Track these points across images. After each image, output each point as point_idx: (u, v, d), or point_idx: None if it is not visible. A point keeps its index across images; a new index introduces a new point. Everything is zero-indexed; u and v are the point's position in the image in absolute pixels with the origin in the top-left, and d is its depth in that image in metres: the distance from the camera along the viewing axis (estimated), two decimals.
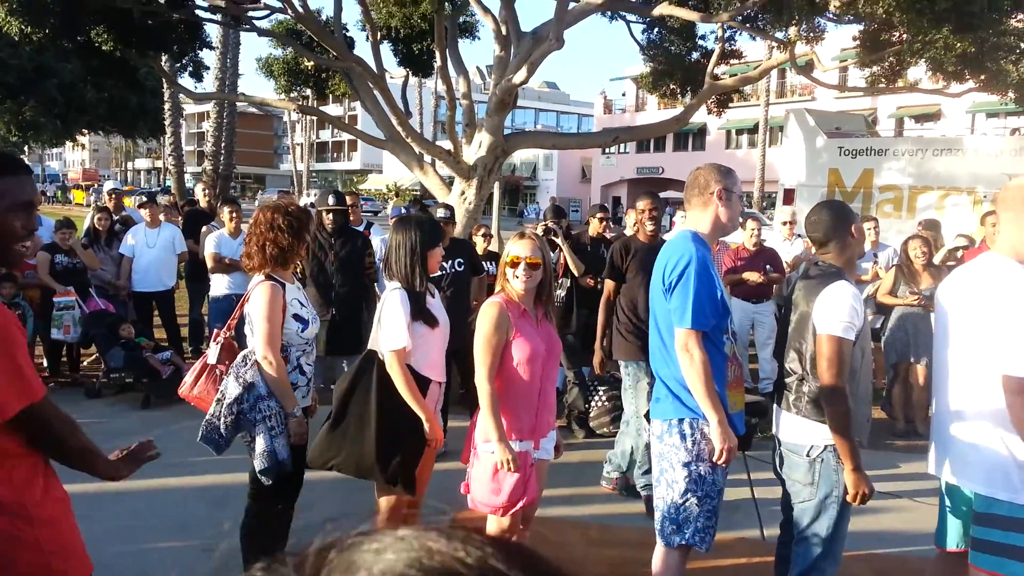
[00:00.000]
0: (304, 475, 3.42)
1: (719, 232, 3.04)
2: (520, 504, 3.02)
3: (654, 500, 3.01)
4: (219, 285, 6.95)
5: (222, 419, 3.17)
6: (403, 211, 6.49)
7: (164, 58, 12.60)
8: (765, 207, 25.68)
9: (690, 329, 2.79)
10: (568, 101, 79.05)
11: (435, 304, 3.47)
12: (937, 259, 6.76)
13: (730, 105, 11.95)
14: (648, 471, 4.22)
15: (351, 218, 6.53)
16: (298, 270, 5.60)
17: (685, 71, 11.14)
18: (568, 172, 53.63)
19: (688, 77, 11.13)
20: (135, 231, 7.70)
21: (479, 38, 12.00)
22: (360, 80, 9.54)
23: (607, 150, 46.05)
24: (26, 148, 32.44)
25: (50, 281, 7.06)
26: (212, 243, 6.90)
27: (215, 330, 3.48)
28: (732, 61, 11.18)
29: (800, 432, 2.89)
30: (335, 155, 78.65)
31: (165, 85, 21.68)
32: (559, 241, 6.19)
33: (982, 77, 8.91)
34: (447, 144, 9.58)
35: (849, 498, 2.77)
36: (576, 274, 6.31)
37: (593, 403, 6.14)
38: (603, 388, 6.14)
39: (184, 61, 11.33)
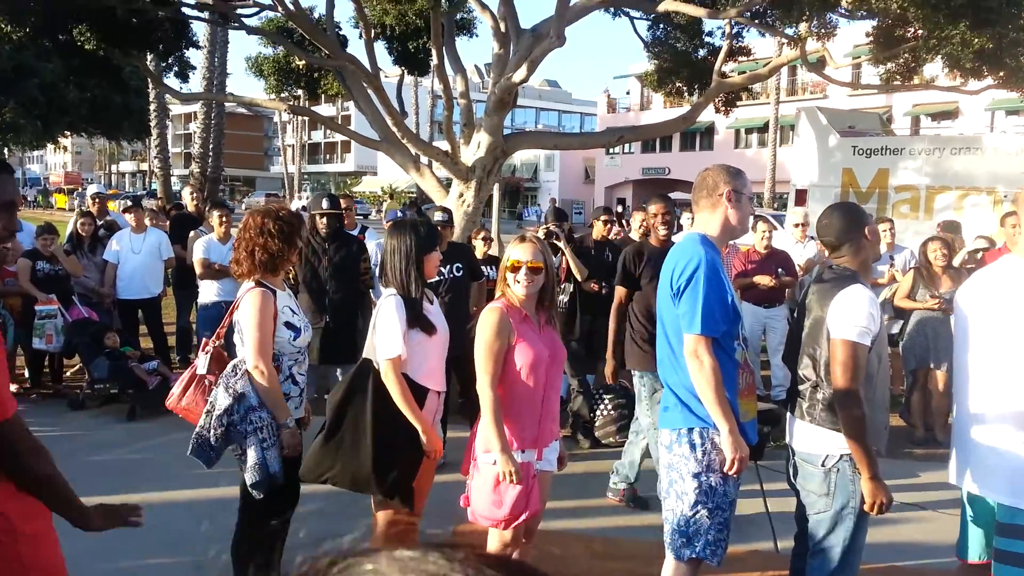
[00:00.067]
0: (299, 489, 3.42)
1: (729, 235, 3.05)
2: (523, 517, 3.02)
3: (663, 512, 3.01)
4: (208, 292, 6.96)
5: (212, 431, 3.17)
6: (399, 214, 6.50)
7: (149, 57, 12.65)
8: (776, 208, 25.71)
9: (700, 335, 2.79)
10: (570, 100, 79.20)
11: (433, 311, 3.47)
12: (957, 261, 6.77)
13: (739, 103, 12.00)
14: None
15: (346, 222, 6.55)
16: (290, 276, 5.61)
17: (692, 68, 11.19)
18: (571, 173, 53.71)
19: (695, 75, 11.17)
20: (120, 236, 7.71)
21: (477, 35, 12.07)
22: (353, 79, 9.57)
23: (611, 150, 46.11)
24: (5, 151, 32.46)
25: (31, 289, 7.07)
26: (200, 248, 6.92)
27: (204, 339, 3.49)
28: (740, 58, 11.23)
29: (815, 441, 2.90)
30: (328, 157, 78.77)
31: (150, 85, 21.73)
32: (561, 245, 6.20)
33: (1001, 74, 8.94)
34: (444, 145, 9.60)
35: (867, 508, 2.77)
36: (579, 279, 6.33)
37: (598, 412, 6.14)
38: (608, 396, 6.14)
39: (170, 60, 11.38)
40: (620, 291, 4.99)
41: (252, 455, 3.16)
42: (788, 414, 3.09)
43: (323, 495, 3.83)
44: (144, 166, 75.01)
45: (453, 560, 0.49)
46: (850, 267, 2.96)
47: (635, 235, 7.45)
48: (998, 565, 2.53)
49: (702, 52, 11.30)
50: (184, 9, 10.15)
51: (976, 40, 7.83)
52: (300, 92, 14.18)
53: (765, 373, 7.73)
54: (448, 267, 5.51)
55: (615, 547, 4.29)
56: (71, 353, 7.33)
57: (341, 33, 11.20)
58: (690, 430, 2.88)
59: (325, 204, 5.81)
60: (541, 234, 6.03)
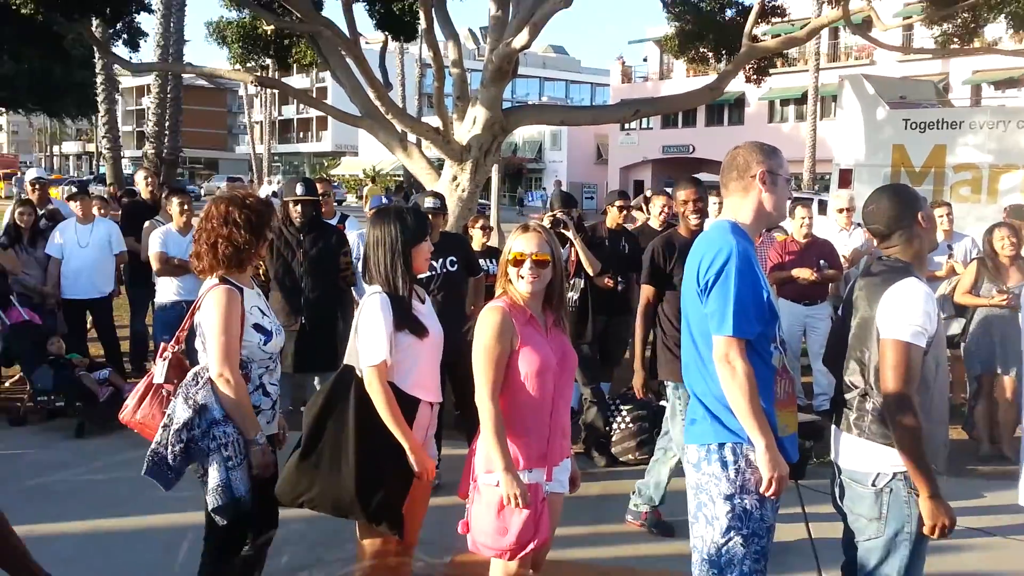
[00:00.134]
0: (278, 513, 3.43)
1: (763, 222, 3.04)
2: (530, 546, 3.02)
3: (691, 539, 3.01)
4: (166, 291, 6.96)
5: (169, 448, 3.18)
6: (383, 201, 6.50)
7: (95, 22, 12.64)
8: (817, 191, 25.72)
9: (731, 337, 2.79)
10: (579, 68, 79.18)
11: (424, 310, 3.48)
12: None
13: (772, 71, 11.99)
14: None
15: (323, 210, 6.55)
16: (260, 272, 5.62)
17: (718, 32, 11.17)
18: (580, 152, 53.73)
19: (722, 39, 11.15)
20: (64, 228, 7.72)
21: None
22: (330, 46, 9.56)
23: (626, 126, 46.11)
24: None
25: None
26: (157, 241, 6.92)
27: (162, 344, 3.50)
28: (774, 19, 11.20)
29: (863, 457, 2.89)
30: (301, 135, 78.84)
31: (96, 54, 21.73)
32: (570, 235, 6.20)
33: None
34: (435, 121, 9.60)
35: (926, 530, 2.77)
36: (591, 273, 6.33)
37: (615, 425, 6.15)
38: (626, 408, 6.15)
39: (118, 26, 11.39)
40: (648, 290, 4.97)
41: (214, 475, 3.16)
42: (833, 427, 3.08)
43: (304, 519, 3.84)
44: (91, 147, 75.07)
45: None
46: (902, 258, 2.95)
47: (655, 223, 7.46)
48: None
49: (730, 12, 11.30)
50: None
51: None
52: (268, 62, 14.17)
53: (806, 380, 7.73)
54: (440, 260, 5.51)
55: None
56: (10, 361, 7.33)
57: None
58: (721, 446, 2.87)
59: (299, 190, 5.80)
60: (547, 222, 6.03)
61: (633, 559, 4.58)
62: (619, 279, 6.46)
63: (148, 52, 21.43)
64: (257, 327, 3.35)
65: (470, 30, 64.97)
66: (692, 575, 2.99)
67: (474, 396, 3.07)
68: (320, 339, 5.63)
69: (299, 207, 5.73)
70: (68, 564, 4.34)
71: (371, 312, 3.28)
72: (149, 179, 9.20)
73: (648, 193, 11.50)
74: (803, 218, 7.41)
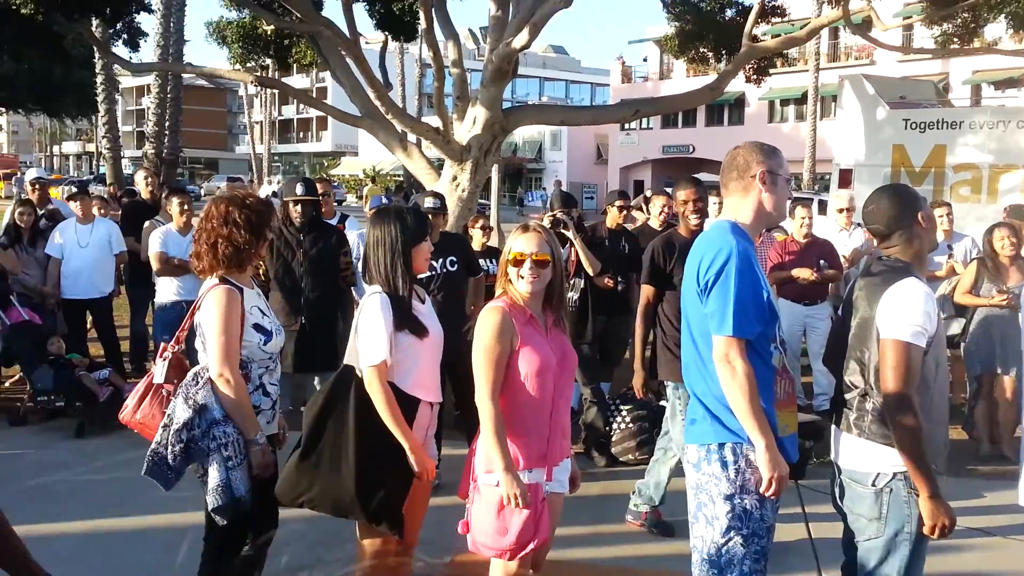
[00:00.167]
0: (278, 513, 3.43)
1: (763, 222, 3.04)
2: (530, 546, 3.02)
3: (691, 540, 3.01)
4: (166, 291, 6.97)
5: (169, 448, 3.18)
6: (383, 201, 6.51)
7: (95, 22, 12.63)
8: (817, 191, 25.71)
9: (731, 337, 2.79)
10: (579, 68, 79.17)
11: (424, 310, 3.48)
12: None
13: (772, 71, 12.00)
14: None
15: (323, 210, 6.55)
16: (260, 272, 5.62)
17: (718, 32, 11.18)
18: (580, 152, 53.73)
19: (722, 39, 11.16)
20: (64, 228, 7.72)
21: None
22: (330, 46, 9.56)
23: (626, 126, 46.10)
24: None
25: None
26: (157, 241, 6.92)
27: (162, 344, 3.50)
28: (774, 19, 11.20)
29: (863, 457, 2.90)
30: (301, 135, 78.85)
31: (96, 54, 21.74)
32: (570, 235, 6.20)
33: None
34: (435, 121, 9.60)
35: (927, 530, 2.77)
36: (591, 273, 6.33)
37: (615, 425, 6.15)
38: (626, 408, 6.15)
39: (118, 26, 11.38)
40: (648, 290, 4.98)
41: (214, 475, 3.17)
42: (833, 427, 3.09)
43: (304, 519, 3.84)
44: (91, 147, 75.06)
45: None
46: (902, 258, 2.96)
47: (655, 223, 7.45)
48: None
49: (730, 12, 11.30)
50: None
51: None
52: (268, 61, 14.17)
53: (806, 380, 7.74)
54: (441, 260, 5.52)
55: None
56: (10, 361, 7.33)
57: None
58: (721, 446, 2.88)
59: (299, 190, 5.80)
60: (547, 222, 6.03)
61: (633, 559, 4.58)
62: (619, 279, 6.46)
63: (148, 52, 21.46)
64: (257, 327, 3.35)
65: (470, 30, 64.97)
66: (692, 575, 3.00)
67: (474, 396, 3.07)
68: (320, 339, 5.63)
69: (299, 207, 5.74)
70: (68, 564, 4.34)
71: (371, 312, 3.28)
72: (149, 179, 9.20)
73: (648, 193, 11.50)
74: (803, 218, 7.41)
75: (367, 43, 10.06)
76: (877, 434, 2.86)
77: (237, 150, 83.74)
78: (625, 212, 6.86)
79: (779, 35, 11.21)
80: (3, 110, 36.93)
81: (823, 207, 14.66)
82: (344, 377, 3.33)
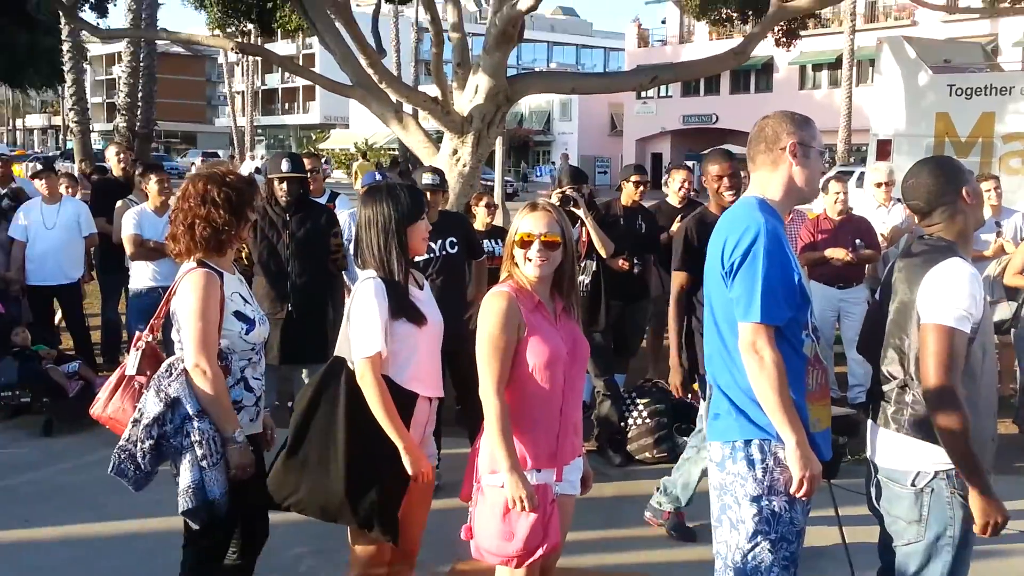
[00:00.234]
0: (268, 519, 3.44)
1: (793, 198, 3.03)
2: (538, 552, 3.02)
3: (714, 545, 3.02)
4: (141, 276, 6.98)
5: (138, 444, 3.18)
6: (377, 177, 6.50)
7: None
8: (853, 163, 25.63)
9: (759, 324, 2.78)
10: (591, 32, 78.96)
11: (422, 297, 3.48)
12: None
13: (803, 33, 11.93)
14: None
15: (311, 187, 6.55)
16: (243, 256, 5.63)
17: None
18: (592, 123, 53.66)
19: None
20: (28, 208, 7.73)
21: None
22: (317, 9, 9.53)
23: (643, 94, 45.97)
24: None
25: None
26: (131, 222, 6.92)
27: (136, 333, 3.51)
28: None
29: (902, 455, 2.90)
30: (287, 106, 78.85)
31: (62, 19, 21.72)
32: (580, 213, 6.19)
33: None
34: (433, 90, 9.57)
35: (977, 529, 2.78)
36: (604, 255, 6.32)
37: (630, 420, 6.16)
38: (643, 401, 6.16)
39: None
40: (681, 277, 4.87)
41: (186, 475, 3.16)
42: (869, 421, 3.09)
43: (292, 523, 3.86)
44: (57, 120, 75.11)
45: None
46: (946, 237, 2.95)
47: (674, 200, 7.44)
48: None
49: None
50: None
51: None
52: (251, 26, 14.17)
53: (840, 370, 7.73)
54: (440, 242, 5.51)
55: None
56: None
57: None
58: (747, 443, 2.88)
59: (285, 166, 5.80)
60: (555, 200, 6.03)
61: (650, 566, 4.59)
62: (635, 261, 6.46)
63: (118, 17, 21.42)
64: (238, 315, 3.35)
65: None
66: None
67: (477, 390, 3.07)
68: (308, 328, 5.64)
69: (285, 185, 5.74)
70: (36, 573, 4.38)
71: (365, 299, 3.28)
72: (121, 155, 9.20)
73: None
74: (837, 193, 7.38)
75: (358, 5, 10.04)
76: (917, 429, 2.85)
77: (217, 123, 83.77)
78: (642, 188, 6.83)
79: None
80: None
81: (862, 180, 14.61)
82: (334, 369, 3.33)
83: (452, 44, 9.55)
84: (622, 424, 6.18)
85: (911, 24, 35.06)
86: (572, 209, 6.10)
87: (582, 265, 6.36)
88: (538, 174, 50.43)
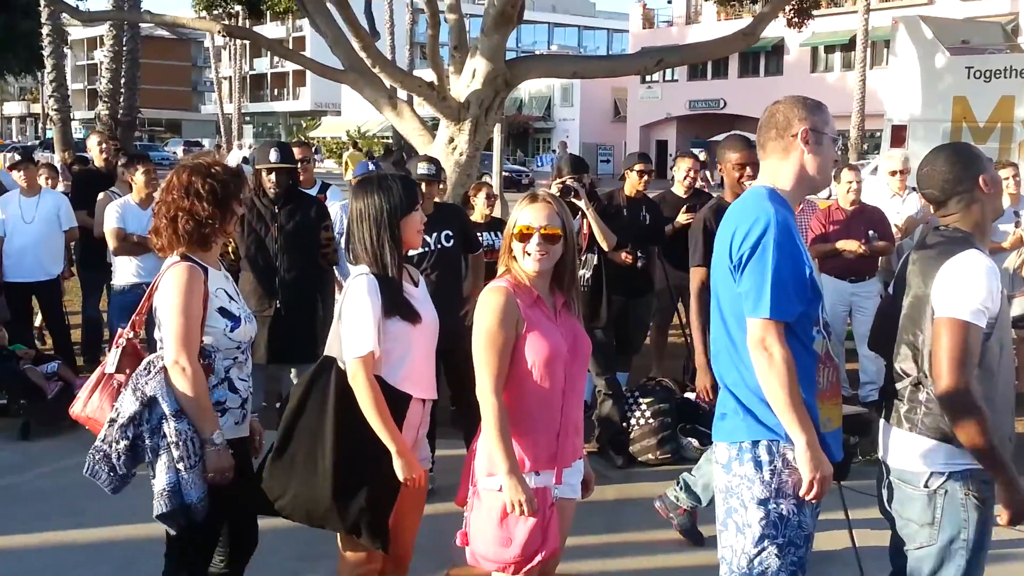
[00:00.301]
0: (256, 525, 3.44)
1: (805, 187, 3.03)
2: (537, 558, 3.03)
3: (719, 549, 3.03)
4: (123, 272, 6.97)
5: (113, 445, 3.18)
6: (370, 167, 6.50)
7: None
8: (866, 151, 25.63)
9: (768, 319, 2.78)
10: (594, 12, 78.88)
11: (417, 294, 3.48)
12: None
13: (816, 13, 11.91)
14: None
15: (301, 178, 6.54)
16: (229, 251, 5.62)
17: None
18: (595, 109, 53.61)
19: None
20: (6, 201, 7.71)
21: None
22: None
23: (648, 78, 45.83)
24: None
25: None
26: (113, 215, 6.91)
27: (118, 331, 3.51)
28: None
29: (915, 455, 2.90)
30: (276, 92, 78.74)
31: (42, 2, 21.69)
32: (581, 204, 6.19)
33: None
34: (429, 74, 9.57)
35: (1003, 520, 2.79)
36: (606, 248, 6.32)
37: (633, 420, 6.16)
38: (646, 400, 6.16)
39: None
40: (701, 272, 4.80)
41: (161, 478, 3.15)
42: (881, 420, 3.09)
43: (279, 529, 3.86)
44: (36, 108, 75.01)
45: None
46: (962, 228, 2.95)
47: (679, 189, 7.44)
48: None
49: None
50: None
51: None
52: (238, 8, 14.14)
53: (851, 367, 7.73)
54: (435, 235, 5.50)
55: None
56: None
57: None
58: (755, 444, 2.88)
59: (273, 156, 5.79)
60: (555, 190, 6.02)
61: (653, 571, 4.60)
62: (639, 253, 6.45)
63: None
64: (223, 311, 3.34)
65: None
66: None
67: (474, 390, 3.08)
68: (297, 326, 5.63)
69: (273, 176, 5.73)
70: None
71: (357, 296, 3.28)
72: (103, 144, 9.17)
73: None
74: (850, 182, 7.37)
75: None
76: (931, 428, 2.86)
77: (203, 110, 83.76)
78: (646, 177, 6.82)
79: None
80: None
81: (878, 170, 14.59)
82: (324, 368, 3.34)
83: (449, 26, 9.54)
84: (624, 424, 6.18)
85: (928, 3, 34.99)
86: (573, 200, 6.09)
87: (583, 259, 6.35)
88: (539, 164, 50.35)
